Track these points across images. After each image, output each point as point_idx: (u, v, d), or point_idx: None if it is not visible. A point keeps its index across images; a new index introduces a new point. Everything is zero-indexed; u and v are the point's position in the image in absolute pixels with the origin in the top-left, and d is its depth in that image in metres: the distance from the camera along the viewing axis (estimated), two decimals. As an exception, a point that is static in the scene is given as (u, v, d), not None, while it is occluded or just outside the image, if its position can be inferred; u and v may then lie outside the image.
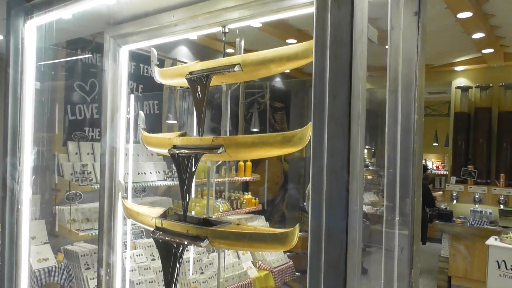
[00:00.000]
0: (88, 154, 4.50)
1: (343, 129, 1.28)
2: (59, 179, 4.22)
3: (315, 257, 1.30)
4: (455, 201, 7.70)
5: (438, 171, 14.08)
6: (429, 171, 13.93)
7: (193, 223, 2.14)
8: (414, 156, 1.41)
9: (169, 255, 2.17)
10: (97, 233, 4.39)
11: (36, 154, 2.58)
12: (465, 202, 7.52)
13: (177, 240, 2.13)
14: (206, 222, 2.19)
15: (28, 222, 2.50)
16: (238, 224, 2.15)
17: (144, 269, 4.39)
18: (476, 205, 7.31)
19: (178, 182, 5.28)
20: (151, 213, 2.36)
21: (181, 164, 2.30)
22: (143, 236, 4.86)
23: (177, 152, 2.30)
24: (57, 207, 4.28)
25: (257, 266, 6.20)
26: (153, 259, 4.57)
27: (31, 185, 2.50)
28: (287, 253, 6.84)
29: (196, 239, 2.07)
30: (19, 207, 2.37)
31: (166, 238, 2.16)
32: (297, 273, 6.71)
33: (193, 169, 2.28)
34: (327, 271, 1.29)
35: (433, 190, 13.67)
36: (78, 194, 4.33)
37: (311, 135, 1.49)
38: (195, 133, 2.45)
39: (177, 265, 2.17)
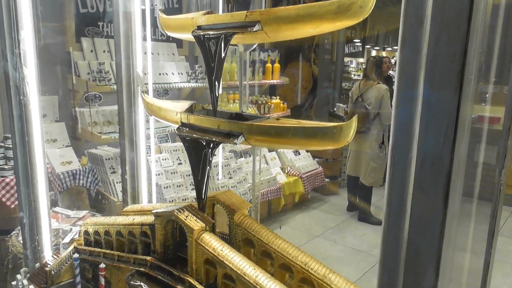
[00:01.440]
0: (104, 52, 4.11)
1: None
2: (76, 79, 3.90)
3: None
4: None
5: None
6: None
7: (224, 118, 1.79)
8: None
9: (198, 154, 1.86)
10: (117, 137, 4.20)
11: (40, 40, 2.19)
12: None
13: (207, 137, 1.80)
14: (239, 117, 1.83)
15: (38, 120, 2.21)
16: (278, 119, 1.79)
17: (171, 173, 4.24)
18: None
19: (202, 84, 4.90)
20: (175, 108, 2.01)
21: (208, 48, 1.89)
22: (168, 140, 4.65)
23: (202, 33, 1.88)
24: (76, 109, 4.03)
25: (286, 172, 6.04)
26: (180, 163, 4.40)
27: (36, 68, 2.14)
28: (316, 159, 6.64)
29: (229, 136, 1.74)
30: (22, 98, 2.06)
31: (194, 135, 1.83)
32: (326, 179, 6.57)
33: (223, 54, 1.87)
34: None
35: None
36: (97, 95, 4.04)
37: None
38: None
39: (207, 165, 1.87)
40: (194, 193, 4.45)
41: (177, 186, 4.15)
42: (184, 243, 1.91)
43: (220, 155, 4.70)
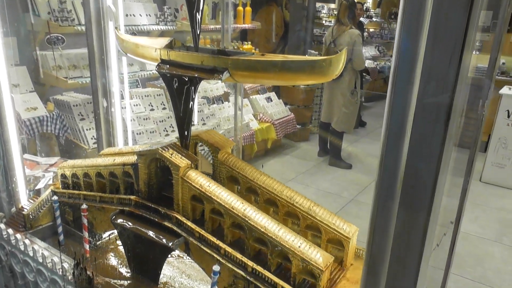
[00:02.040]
0: (64, -12, 3.81)
1: None
2: (34, 18, 3.62)
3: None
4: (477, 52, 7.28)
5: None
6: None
7: (208, 54, 1.73)
8: None
9: (181, 92, 1.81)
10: (87, 82, 4.01)
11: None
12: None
13: (190, 74, 1.74)
14: (222, 54, 1.77)
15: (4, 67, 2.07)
16: (262, 55, 1.74)
17: (144, 119, 4.14)
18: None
19: (172, 27, 4.68)
20: (153, 44, 1.92)
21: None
22: (138, 86, 4.50)
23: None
24: (38, 52, 3.78)
25: (258, 118, 6.04)
26: (152, 109, 4.29)
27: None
28: (288, 106, 6.65)
29: (212, 72, 1.69)
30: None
31: (176, 72, 1.77)
32: (298, 126, 6.63)
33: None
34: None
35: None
36: (60, 37, 3.80)
37: None
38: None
39: (190, 103, 1.82)
40: (167, 139, 4.39)
41: (150, 132, 4.07)
42: (168, 182, 1.89)
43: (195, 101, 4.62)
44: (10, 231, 2.06)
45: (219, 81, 1.69)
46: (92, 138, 3.97)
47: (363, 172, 5.72)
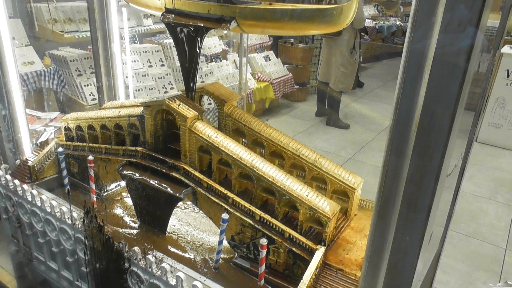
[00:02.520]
0: None
1: None
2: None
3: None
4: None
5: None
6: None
7: (214, 2, 1.68)
8: None
9: (186, 42, 1.78)
10: (84, 36, 3.92)
11: None
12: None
13: (196, 23, 1.71)
14: (229, 2, 1.73)
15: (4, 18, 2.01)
16: (270, 4, 1.70)
17: (142, 75, 4.08)
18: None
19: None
20: (157, -8, 1.86)
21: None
22: (136, 41, 4.40)
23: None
24: (32, 4, 3.66)
25: (257, 77, 5.98)
26: (150, 66, 4.22)
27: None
28: (286, 65, 6.58)
29: (220, 21, 1.65)
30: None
31: (182, 21, 1.73)
32: (296, 86, 6.59)
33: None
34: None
35: None
36: (54, -12, 3.67)
37: None
38: None
39: (196, 53, 1.80)
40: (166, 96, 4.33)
41: (149, 89, 4.03)
42: (173, 135, 1.90)
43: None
44: (17, 182, 2.07)
45: (226, 30, 1.66)
46: (90, 95, 3.93)
47: (360, 132, 5.76)
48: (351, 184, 1.70)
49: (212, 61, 5.23)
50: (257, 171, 1.58)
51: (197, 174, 1.72)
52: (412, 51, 0.93)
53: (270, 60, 6.28)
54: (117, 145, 1.99)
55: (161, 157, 1.80)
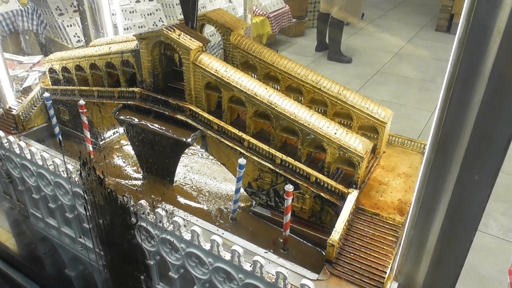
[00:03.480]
0: None
1: None
2: None
3: None
4: None
5: None
6: None
7: None
8: None
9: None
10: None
11: None
12: None
13: None
14: None
15: None
16: None
17: (130, 12, 3.72)
18: None
19: None
20: None
21: None
22: (119, -27, 3.97)
23: None
24: None
25: (253, 11, 5.56)
26: (138, 1, 3.83)
27: None
28: (283, -3, 6.13)
29: None
30: None
31: None
32: (293, 19, 6.18)
33: None
34: None
35: None
36: None
37: None
38: None
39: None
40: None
41: (139, 27, 3.69)
42: (175, 72, 1.66)
43: None
44: (1, 133, 1.85)
45: None
46: (75, 36, 3.60)
47: (364, 65, 5.47)
48: (381, 118, 1.49)
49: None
50: (276, 108, 1.37)
51: (205, 115, 1.50)
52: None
53: (265, -9, 5.83)
54: (111, 86, 1.75)
55: (162, 98, 1.57)
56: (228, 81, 1.43)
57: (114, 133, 2.00)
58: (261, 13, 5.56)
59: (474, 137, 0.85)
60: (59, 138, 1.87)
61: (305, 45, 6.22)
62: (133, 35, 1.59)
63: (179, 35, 1.45)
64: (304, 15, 6.59)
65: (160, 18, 3.89)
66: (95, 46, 1.92)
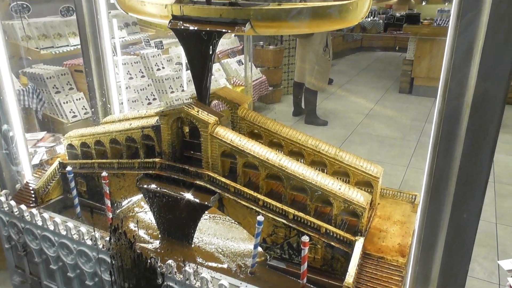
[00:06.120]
0: (24, -50, 3.49)
1: None
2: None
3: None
4: (424, 2, 7.51)
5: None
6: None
7: (223, 6, 1.68)
8: None
9: (198, 48, 1.75)
10: (61, 51, 3.78)
11: None
12: (434, 3, 7.35)
13: (208, 28, 1.69)
14: (234, 5, 1.73)
15: None
16: (279, 4, 1.72)
17: (126, 88, 3.98)
18: (445, 4, 7.19)
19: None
20: (161, 0, 1.83)
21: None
22: (114, 54, 4.28)
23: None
24: (2, 21, 3.48)
25: (232, 82, 5.98)
26: (131, 78, 4.13)
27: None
28: (259, 68, 6.62)
29: (233, 24, 1.65)
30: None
31: (194, 27, 1.71)
32: (270, 88, 6.64)
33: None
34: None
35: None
36: (25, 5, 3.52)
37: None
38: None
39: (209, 58, 1.78)
40: (150, 108, 4.24)
41: (133, 101, 3.94)
42: (186, 143, 1.87)
43: (166, 68, 4.48)
44: (23, 207, 1.97)
45: (241, 34, 1.66)
46: (70, 112, 3.80)
47: (339, 127, 5.87)
48: (374, 174, 1.74)
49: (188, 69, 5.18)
50: (286, 170, 1.59)
51: (222, 179, 1.70)
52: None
53: (243, 64, 6.29)
54: (129, 158, 1.94)
55: (181, 166, 1.77)
56: (242, 149, 1.65)
57: (128, 202, 2.14)
58: (240, 83, 5.96)
59: (459, 184, 1.08)
60: (78, 209, 2.00)
61: (282, 110, 6.63)
62: (155, 112, 1.81)
63: (198, 112, 1.69)
64: (279, 84, 7.09)
65: (152, 92, 4.16)
66: (109, 122, 2.14)
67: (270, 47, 6.87)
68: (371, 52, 11.79)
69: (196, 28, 1.70)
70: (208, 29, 1.69)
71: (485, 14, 0.91)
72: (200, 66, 1.79)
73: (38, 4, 3.66)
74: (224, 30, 1.68)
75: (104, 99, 2.58)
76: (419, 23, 7.40)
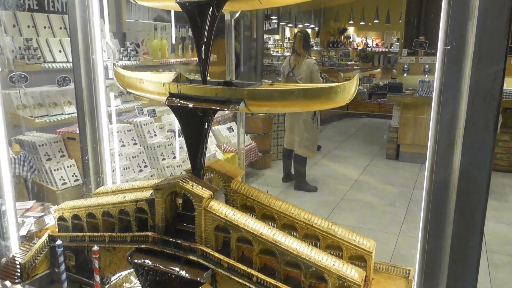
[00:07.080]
0: (28, 27, 3.68)
1: None
2: (-2, 57, 3.46)
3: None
4: (406, 73, 7.93)
5: (377, 49, 14.34)
6: (369, 49, 14.12)
7: (219, 86, 1.78)
8: None
9: (194, 125, 1.83)
10: (55, 120, 3.85)
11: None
12: (415, 74, 7.77)
13: (204, 106, 1.78)
14: (228, 85, 1.84)
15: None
16: (272, 84, 1.83)
17: (118, 155, 4.01)
18: (425, 76, 7.60)
19: (135, 62, 4.67)
20: (159, 79, 1.94)
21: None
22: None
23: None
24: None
25: (222, 149, 6.07)
26: (123, 145, 4.18)
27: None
28: (249, 134, 6.76)
29: (227, 103, 1.74)
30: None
31: (191, 105, 1.79)
32: (260, 153, 6.74)
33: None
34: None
35: (372, 68, 14.07)
36: (23, 75, 3.64)
37: None
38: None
39: (204, 134, 1.85)
40: (142, 176, 4.27)
41: (124, 169, 3.96)
42: (179, 215, 1.88)
43: (159, 135, 4.56)
44: (8, 283, 1.91)
45: (236, 111, 1.74)
46: (60, 179, 3.79)
47: (329, 193, 5.91)
48: (367, 248, 1.74)
49: (181, 136, 5.28)
50: (280, 246, 1.59)
51: (216, 254, 1.69)
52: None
53: (233, 131, 6.44)
54: (121, 231, 1.92)
55: (174, 241, 1.76)
56: (236, 223, 1.66)
57: (118, 277, 2.09)
58: (231, 149, 6.06)
59: (452, 264, 1.10)
60: (64, 286, 1.94)
61: (272, 176, 6.68)
62: (150, 186, 1.83)
63: (192, 186, 1.72)
64: (269, 150, 7.21)
65: (143, 160, 4.20)
66: (101, 194, 2.14)
67: (260, 114, 7.08)
68: (357, 119, 12.18)
69: (192, 105, 1.78)
70: (204, 106, 1.77)
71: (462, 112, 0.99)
72: (195, 140, 1.85)
73: (37, 74, 3.79)
74: (219, 108, 1.76)
75: (97, 168, 2.59)
76: (402, 92, 7.76)
